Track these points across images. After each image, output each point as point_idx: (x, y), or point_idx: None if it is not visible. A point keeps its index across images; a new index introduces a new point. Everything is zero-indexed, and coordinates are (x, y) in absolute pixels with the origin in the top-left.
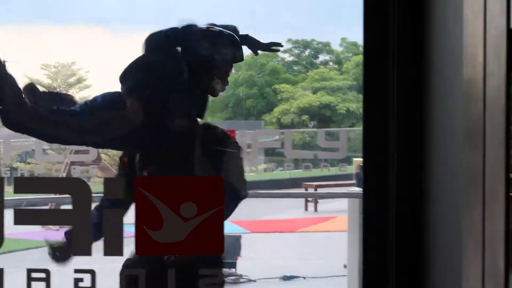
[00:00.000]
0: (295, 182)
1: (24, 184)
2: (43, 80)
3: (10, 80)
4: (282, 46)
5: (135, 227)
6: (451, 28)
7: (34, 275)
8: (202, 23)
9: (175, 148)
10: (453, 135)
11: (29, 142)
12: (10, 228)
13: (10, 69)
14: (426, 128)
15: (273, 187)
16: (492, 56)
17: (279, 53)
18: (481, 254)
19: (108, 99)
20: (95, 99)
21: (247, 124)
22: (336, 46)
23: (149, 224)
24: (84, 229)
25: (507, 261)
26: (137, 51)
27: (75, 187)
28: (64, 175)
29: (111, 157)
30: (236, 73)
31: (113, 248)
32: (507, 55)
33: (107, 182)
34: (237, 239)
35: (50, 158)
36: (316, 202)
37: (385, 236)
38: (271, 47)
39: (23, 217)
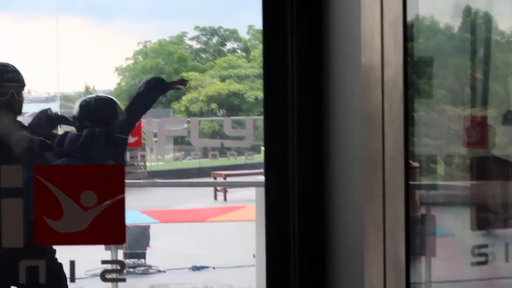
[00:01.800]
0: (204, 172)
1: None
2: None
3: None
4: (187, 82)
5: (34, 217)
6: (349, 14)
7: None
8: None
9: None
10: (352, 122)
11: None
12: None
13: None
14: (326, 116)
15: (182, 177)
16: (389, 43)
17: (187, 40)
18: (383, 242)
19: None
20: None
21: (154, 112)
22: (243, 34)
23: (48, 213)
24: None
25: (407, 250)
26: None
27: None
28: None
29: None
30: (143, 60)
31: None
32: (403, 42)
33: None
34: (145, 229)
35: None
36: (225, 192)
37: (287, 226)
38: (176, 85)
39: None
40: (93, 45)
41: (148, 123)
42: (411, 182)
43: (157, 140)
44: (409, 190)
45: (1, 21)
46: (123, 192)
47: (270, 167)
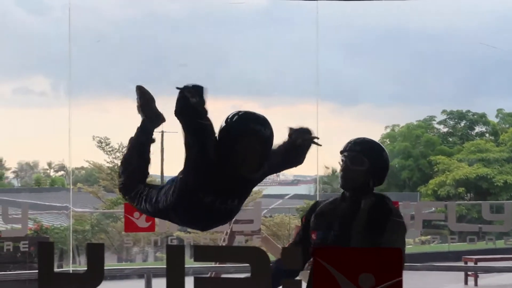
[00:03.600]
0: (454, 255)
1: (203, 252)
2: None
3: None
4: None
5: None
6: None
7: None
8: None
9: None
10: None
11: None
12: None
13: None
14: None
15: (430, 260)
16: None
17: (435, 124)
18: None
19: None
20: None
21: (402, 196)
22: (492, 117)
23: None
24: None
25: None
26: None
27: (254, 256)
28: (225, 244)
29: (268, 227)
30: (391, 144)
31: None
32: None
33: (285, 250)
34: None
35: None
36: (476, 277)
37: None
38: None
39: (204, 285)
40: (334, 130)
41: (406, 206)
42: None
43: (413, 222)
44: None
45: None
46: (400, 275)
47: None
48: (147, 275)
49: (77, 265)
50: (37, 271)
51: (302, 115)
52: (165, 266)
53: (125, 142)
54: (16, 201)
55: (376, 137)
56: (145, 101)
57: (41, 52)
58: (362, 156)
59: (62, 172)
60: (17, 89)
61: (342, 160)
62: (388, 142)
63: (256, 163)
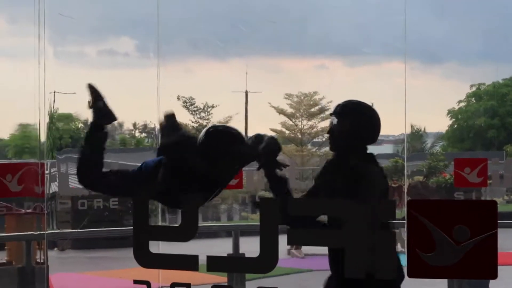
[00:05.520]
0: None
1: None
2: (287, 109)
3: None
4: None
5: (407, 249)
6: None
7: None
8: None
9: None
10: None
11: None
12: None
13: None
14: None
15: None
16: None
17: None
18: None
19: None
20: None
21: (488, 154)
22: None
23: (421, 246)
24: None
25: None
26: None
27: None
28: None
29: None
30: (476, 103)
31: None
32: None
33: None
34: None
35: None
36: None
37: None
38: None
39: (296, 236)
40: (422, 88)
41: (495, 163)
42: None
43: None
44: None
45: None
46: (495, 227)
47: None
48: (235, 233)
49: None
50: (128, 227)
51: (389, 74)
52: (255, 223)
53: (210, 103)
54: (105, 161)
55: (461, 96)
56: (94, 99)
57: (126, 13)
58: (343, 118)
59: (146, 134)
60: (103, 51)
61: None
62: (474, 101)
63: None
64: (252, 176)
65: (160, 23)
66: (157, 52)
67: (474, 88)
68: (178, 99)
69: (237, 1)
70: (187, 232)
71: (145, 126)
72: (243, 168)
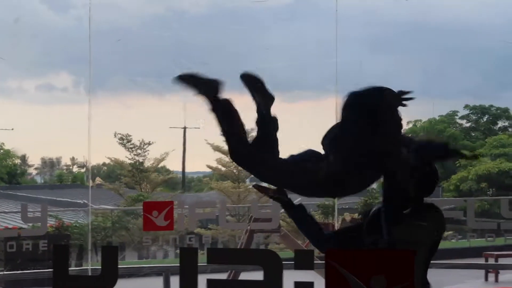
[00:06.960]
0: (474, 251)
1: (216, 255)
2: (223, 146)
3: (235, 116)
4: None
5: None
6: None
7: None
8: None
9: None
10: None
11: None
12: None
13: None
14: None
15: (451, 256)
16: None
17: (457, 119)
18: None
19: None
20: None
21: None
22: None
23: None
24: None
25: None
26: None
27: (267, 258)
28: (244, 242)
29: (288, 223)
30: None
31: None
32: None
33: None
34: None
35: (232, 226)
36: (497, 273)
37: None
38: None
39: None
40: None
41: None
42: None
43: None
44: None
45: None
46: (411, 277)
47: None
48: (166, 274)
49: (96, 262)
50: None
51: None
52: None
53: (146, 139)
54: (38, 197)
55: None
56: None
57: (63, 50)
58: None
59: (84, 169)
60: (40, 86)
61: None
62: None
63: None
64: (183, 217)
65: (93, 61)
66: (88, 88)
67: (410, 125)
68: (115, 136)
69: (171, 39)
70: (107, 281)
71: (82, 162)
72: (174, 209)
